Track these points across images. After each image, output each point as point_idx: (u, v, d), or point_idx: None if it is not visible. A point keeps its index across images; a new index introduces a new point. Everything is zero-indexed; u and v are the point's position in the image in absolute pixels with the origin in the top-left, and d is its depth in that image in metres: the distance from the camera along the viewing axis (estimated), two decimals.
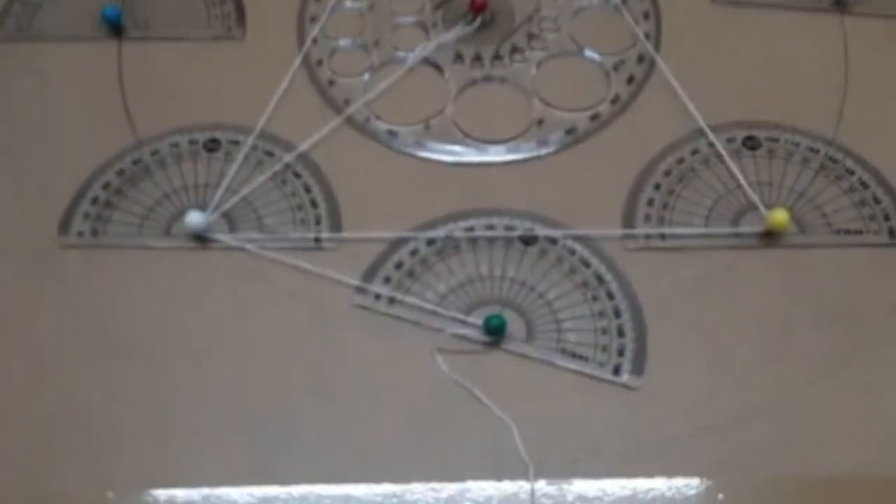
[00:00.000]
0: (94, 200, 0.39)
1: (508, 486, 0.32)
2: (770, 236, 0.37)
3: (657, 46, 0.42)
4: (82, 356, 0.35)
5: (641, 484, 0.32)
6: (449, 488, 0.32)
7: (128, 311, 0.36)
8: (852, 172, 0.39)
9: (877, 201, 0.38)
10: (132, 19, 0.44)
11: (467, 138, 0.40)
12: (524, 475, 0.32)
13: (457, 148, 0.40)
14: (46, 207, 0.38)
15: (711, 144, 0.39)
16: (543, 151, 0.40)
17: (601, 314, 0.36)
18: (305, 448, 0.33)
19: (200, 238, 0.38)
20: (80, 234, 0.38)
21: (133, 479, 0.32)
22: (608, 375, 0.34)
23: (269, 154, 0.40)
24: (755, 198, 0.38)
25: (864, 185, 0.38)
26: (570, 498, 0.32)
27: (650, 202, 0.38)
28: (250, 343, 0.35)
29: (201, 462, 0.33)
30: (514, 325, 0.35)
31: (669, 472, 0.32)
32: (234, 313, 0.36)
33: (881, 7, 0.43)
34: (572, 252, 0.37)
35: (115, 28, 0.43)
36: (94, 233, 0.38)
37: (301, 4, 0.44)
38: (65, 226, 0.38)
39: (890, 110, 0.40)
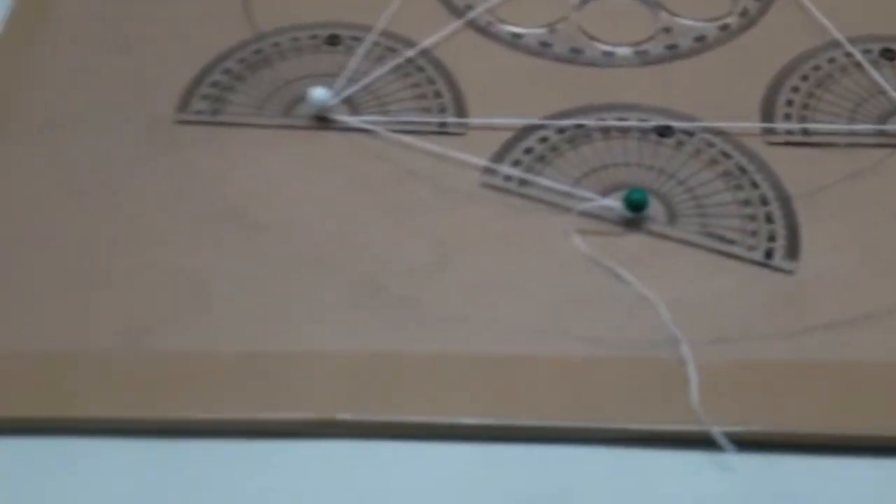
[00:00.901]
0: (214, 84, 0.37)
1: (660, 359, 0.29)
2: None
3: None
4: (196, 223, 0.32)
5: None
6: (599, 361, 0.28)
7: (244, 185, 0.33)
8: None
9: None
10: None
11: (593, 41, 0.39)
12: (671, 350, 0.29)
13: (583, 49, 0.38)
14: (165, 88, 0.36)
15: (848, 54, 0.37)
16: (673, 55, 0.38)
17: (746, 202, 0.33)
18: (429, 322, 0.30)
19: (322, 119, 0.35)
20: (199, 111, 0.36)
21: (235, 337, 0.29)
22: (760, 258, 0.31)
23: (391, 50, 0.38)
24: (887, 86, 0.35)
25: None
26: (728, 364, 0.28)
27: (789, 103, 0.35)
28: (372, 219, 0.32)
29: (317, 328, 0.29)
30: (654, 209, 0.32)
31: (829, 355, 0.29)
32: (354, 191, 0.33)
33: None
34: (710, 144, 0.34)
35: None
36: (214, 112, 0.36)
37: None
38: (184, 104, 0.36)
39: None
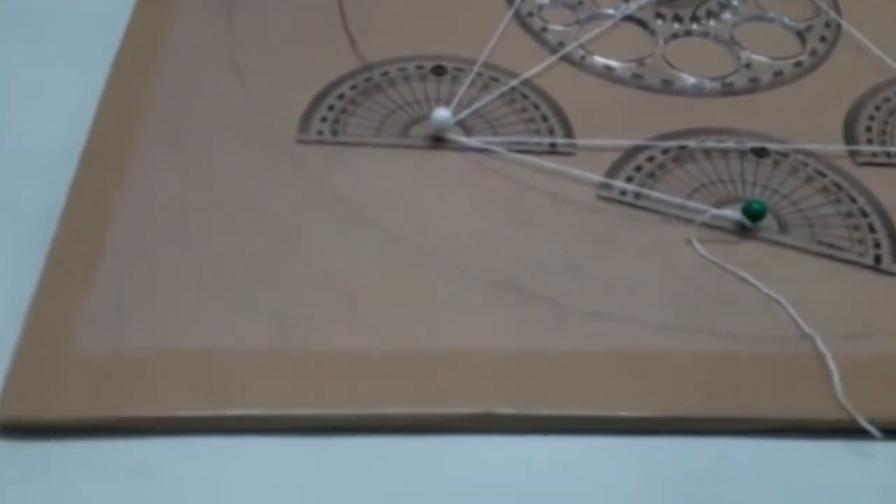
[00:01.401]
0: (331, 107, 0.38)
1: (796, 353, 0.30)
2: None
3: (839, 14, 0.44)
4: (334, 231, 0.33)
5: None
6: (739, 357, 0.29)
7: (372, 197, 0.34)
8: None
9: None
10: None
11: (682, 73, 0.41)
12: (805, 346, 0.30)
13: (673, 80, 0.40)
14: (283, 112, 0.37)
15: None
16: (755, 87, 0.40)
17: (848, 214, 0.34)
18: (569, 320, 0.30)
19: (439, 139, 0.37)
20: (320, 132, 0.37)
21: (384, 335, 0.30)
22: (870, 262, 0.33)
23: (494, 79, 0.39)
24: None
25: None
26: (863, 357, 0.29)
27: (868, 129, 0.38)
28: (500, 227, 0.33)
29: (461, 327, 0.30)
30: (766, 220, 0.34)
31: None
32: (477, 203, 0.34)
33: None
34: (805, 164, 0.36)
35: None
36: (334, 132, 0.37)
37: None
38: (304, 126, 0.37)
39: None
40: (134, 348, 0.29)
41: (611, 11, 0.44)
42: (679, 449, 0.28)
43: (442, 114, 0.36)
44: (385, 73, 0.40)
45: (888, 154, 0.37)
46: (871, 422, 0.28)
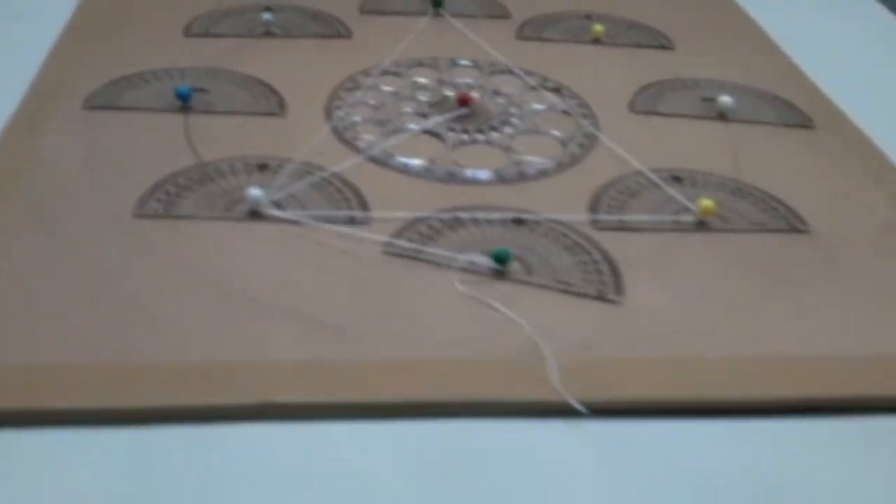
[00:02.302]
0: (167, 192, 0.44)
1: (525, 362, 0.36)
2: (702, 225, 0.45)
3: (598, 129, 0.54)
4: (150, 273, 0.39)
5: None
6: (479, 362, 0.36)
7: (192, 253, 0.40)
8: (753, 194, 0.48)
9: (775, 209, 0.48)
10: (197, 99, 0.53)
11: (462, 169, 0.49)
12: (536, 353, 0.36)
13: (457, 173, 0.49)
14: (124, 196, 0.44)
15: (647, 178, 0.49)
16: (522, 178, 0.49)
17: (583, 262, 0.42)
18: (348, 339, 0.36)
19: (256, 213, 0.43)
20: (155, 210, 0.43)
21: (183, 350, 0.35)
22: (594, 293, 0.40)
23: (310, 173, 0.47)
24: (686, 202, 0.46)
25: (763, 201, 0.48)
26: (583, 365, 0.36)
27: (609, 206, 0.46)
28: (296, 277, 0.40)
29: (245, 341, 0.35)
30: (515, 267, 0.41)
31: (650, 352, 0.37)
32: (283, 259, 0.41)
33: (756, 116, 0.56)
34: (554, 230, 0.44)
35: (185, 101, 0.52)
36: (166, 209, 0.43)
37: (330, 95, 0.54)
38: (141, 204, 0.43)
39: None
40: None
41: (412, 126, 0.53)
42: (432, 430, 0.34)
43: (255, 192, 0.43)
44: (217, 168, 0.47)
45: (620, 221, 0.46)
46: (581, 403, 0.34)
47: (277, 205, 0.44)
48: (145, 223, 0.42)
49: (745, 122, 0.57)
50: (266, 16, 0.64)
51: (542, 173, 0.50)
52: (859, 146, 0.55)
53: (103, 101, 0.52)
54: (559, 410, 0.34)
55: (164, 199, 0.44)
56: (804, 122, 0.57)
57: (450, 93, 0.57)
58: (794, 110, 0.58)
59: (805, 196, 0.49)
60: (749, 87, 0.61)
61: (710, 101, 0.58)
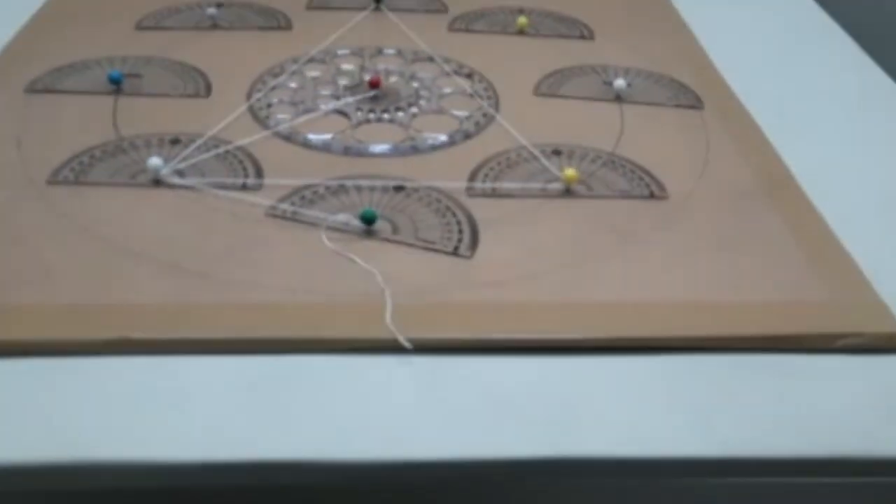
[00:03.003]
0: (81, 162, 0.49)
1: (368, 305, 0.39)
2: (568, 192, 0.49)
3: (497, 110, 0.57)
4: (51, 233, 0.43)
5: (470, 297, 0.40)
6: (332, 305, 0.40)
7: (93, 213, 0.45)
8: (625, 165, 0.51)
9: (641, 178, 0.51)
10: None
11: (361, 143, 0.53)
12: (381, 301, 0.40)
13: (353, 147, 0.52)
14: (43, 166, 0.48)
15: (529, 152, 0.52)
16: (414, 152, 0.52)
17: (447, 224, 0.46)
18: (213, 287, 0.40)
19: (158, 181, 0.47)
20: (66, 178, 0.47)
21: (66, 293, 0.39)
22: (450, 249, 0.44)
23: (216, 146, 0.51)
24: (555, 171, 0.50)
25: (633, 172, 0.51)
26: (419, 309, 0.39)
27: (486, 175, 0.50)
28: (181, 235, 0.44)
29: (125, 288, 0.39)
30: (383, 227, 0.45)
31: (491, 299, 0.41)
32: (174, 221, 0.45)
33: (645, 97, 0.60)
34: (430, 195, 0.48)
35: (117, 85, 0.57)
36: (77, 177, 0.48)
37: (256, 80, 0.59)
38: (54, 173, 0.48)
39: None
40: None
41: (323, 106, 0.57)
42: (270, 364, 0.37)
43: (154, 160, 0.47)
44: (132, 143, 0.51)
45: (493, 189, 0.49)
46: (409, 340, 0.37)
47: (180, 174, 0.49)
48: (56, 189, 0.47)
49: (639, 104, 0.60)
50: (211, 10, 0.68)
51: (434, 148, 0.54)
52: (742, 126, 0.57)
53: (44, 85, 0.57)
54: (390, 347, 0.38)
55: (77, 169, 0.49)
56: (694, 104, 0.60)
57: (368, 77, 0.61)
58: (688, 92, 0.61)
59: (673, 168, 0.52)
60: (651, 71, 0.64)
61: (609, 84, 0.61)
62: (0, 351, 0.37)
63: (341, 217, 0.45)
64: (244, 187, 0.48)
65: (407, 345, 0.38)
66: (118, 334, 0.38)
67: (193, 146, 0.51)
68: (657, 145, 0.55)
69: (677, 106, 0.59)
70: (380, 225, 0.45)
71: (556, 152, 0.53)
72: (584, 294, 0.42)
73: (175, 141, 0.52)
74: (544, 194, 0.49)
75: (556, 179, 0.50)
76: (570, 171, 0.49)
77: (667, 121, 0.58)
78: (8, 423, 0.35)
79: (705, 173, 0.52)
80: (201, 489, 0.37)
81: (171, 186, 0.48)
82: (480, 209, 0.48)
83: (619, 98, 0.60)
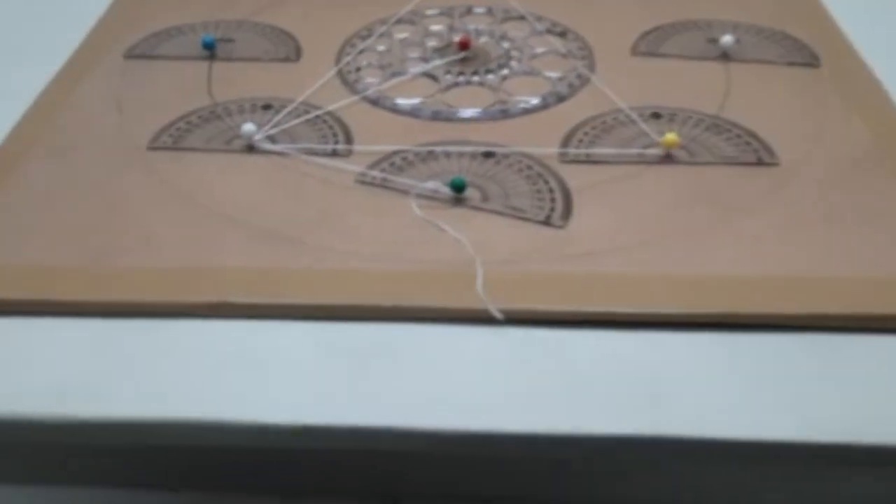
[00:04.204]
0: (178, 128, 0.50)
1: (459, 274, 0.39)
2: (668, 157, 0.46)
3: (592, 70, 0.55)
4: (156, 201, 0.44)
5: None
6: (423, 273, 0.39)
7: (193, 181, 0.46)
8: (729, 130, 0.49)
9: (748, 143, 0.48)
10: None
11: (450, 108, 0.52)
12: (471, 268, 0.39)
13: (442, 111, 0.52)
14: (143, 132, 0.50)
15: (626, 115, 0.50)
16: (505, 116, 0.51)
17: (538, 191, 0.44)
18: (305, 252, 0.40)
19: (251, 147, 0.48)
20: (164, 143, 0.49)
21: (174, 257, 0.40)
22: (542, 219, 0.42)
23: (307, 112, 0.51)
24: (653, 134, 0.48)
25: (738, 136, 0.48)
26: (509, 275, 0.38)
27: (580, 140, 0.48)
28: (275, 202, 0.44)
29: (225, 250, 0.40)
30: (473, 194, 0.44)
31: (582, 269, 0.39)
32: (268, 187, 0.45)
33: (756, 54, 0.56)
34: (521, 162, 0.47)
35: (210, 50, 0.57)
36: (175, 142, 0.49)
37: (345, 42, 0.58)
38: (155, 139, 0.49)
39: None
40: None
41: (412, 70, 0.56)
42: (363, 331, 0.38)
43: (249, 126, 0.48)
44: (226, 108, 0.52)
45: (587, 155, 0.47)
46: (501, 311, 0.37)
47: (272, 139, 0.49)
48: (155, 155, 0.48)
49: (747, 62, 0.56)
50: None
51: (526, 111, 0.52)
52: (863, 87, 0.53)
53: (141, 51, 0.58)
54: (481, 318, 0.37)
55: (175, 135, 0.50)
56: (810, 61, 0.56)
57: (457, 38, 0.59)
58: (803, 49, 0.57)
59: (785, 133, 0.49)
60: (762, 26, 0.60)
61: (715, 41, 0.58)
62: (103, 311, 0.39)
63: (430, 185, 0.44)
64: (334, 153, 0.48)
65: (498, 315, 0.37)
66: (217, 298, 0.38)
67: (285, 111, 0.51)
68: (767, 107, 0.52)
69: (790, 64, 0.55)
70: (469, 192, 0.44)
71: (655, 115, 0.51)
72: (682, 268, 0.40)
73: (267, 106, 0.52)
74: (642, 160, 0.47)
75: (655, 144, 0.48)
76: (669, 136, 0.47)
77: (778, 80, 0.54)
78: (111, 381, 0.36)
79: (820, 138, 0.49)
80: (292, 451, 0.38)
81: (264, 152, 0.48)
82: (574, 176, 0.46)
83: (725, 56, 0.56)
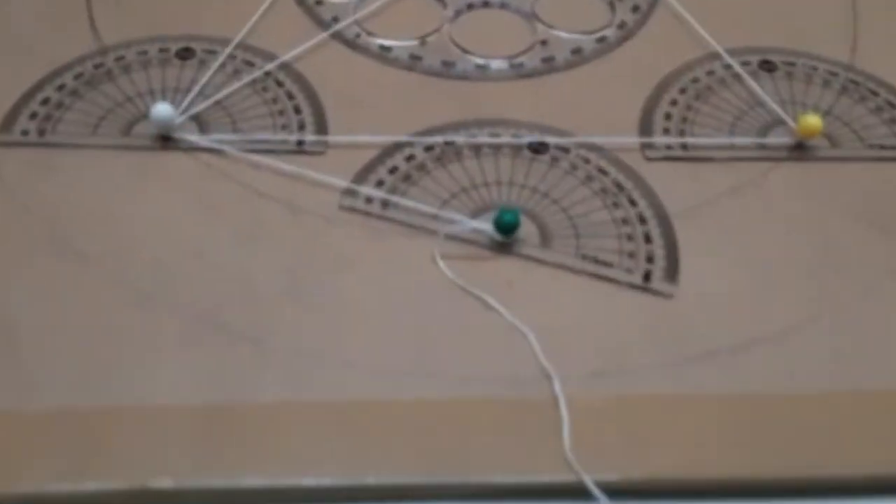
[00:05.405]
0: (45, 101, 0.31)
1: (531, 398, 0.25)
2: (801, 149, 0.31)
3: None
4: (10, 254, 0.27)
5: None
6: (465, 404, 0.24)
7: (72, 212, 0.28)
8: (876, 94, 0.34)
9: None
10: None
11: (466, 54, 0.35)
12: (544, 387, 0.25)
13: (455, 61, 0.34)
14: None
15: (727, 66, 0.34)
16: (549, 69, 0.34)
17: (624, 221, 0.29)
18: (275, 363, 0.25)
19: (166, 138, 0.30)
20: (25, 132, 0.30)
21: (59, 391, 0.24)
22: (638, 281, 0.27)
23: (249, 64, 0.33)
24: (781, 112, 0.32)
25: (891, 105, 0.33)
26: (606, 399, 0.24)
27: (667, 116, 0.32)
28: (215, 245, 0.27)
29: (145, 375, 0.24)
30: (527, 230, 0.28)
31: (712, 387, 0.25)
32: (197, 214, 0.28)
33: None
34: (586, 161, 0.31)
35: None
36: (41, 132, 0.30)
37: None
38: (7, 124, 0.30)
39: None
40: None
41: None
42: None
43: (162, 109, 0.29)
44: (120, 58, 0.33)
45: (684, 146, 0.31)
46: (603, 483, 0.23)
47: (200, 122, 0.32)
48: (9, 155, 0.29)
49: None
50: None
51: (577, 58, 0.35)
52: None
53: None
54: (567, 492, 0.24)
55: (41, 115, 0.31)
56: None
57: None
58: None
59: None
60: None
61: None
62: None
63: (467, 223, 0.28)
64: (300, 148, 0.31)
65: (600, 495, 0.23)
66: (130, 482, 0.22)
67: (216, 65, 0.33)
68: None
69: None
70: (523, 229, 0.29)
71: (766, 65, 0.35)
72: (879, 374, 0.25)
73: (186, 52, 0.34)
74: (765, 155, 0.32)
75: (780, 123, 0.33)
76: (811, 119, 0.31)
77: None
78: None
79: None
80: None
81: (188, 149, 0.31)
82: (665, 185, 0.30)
83: None
